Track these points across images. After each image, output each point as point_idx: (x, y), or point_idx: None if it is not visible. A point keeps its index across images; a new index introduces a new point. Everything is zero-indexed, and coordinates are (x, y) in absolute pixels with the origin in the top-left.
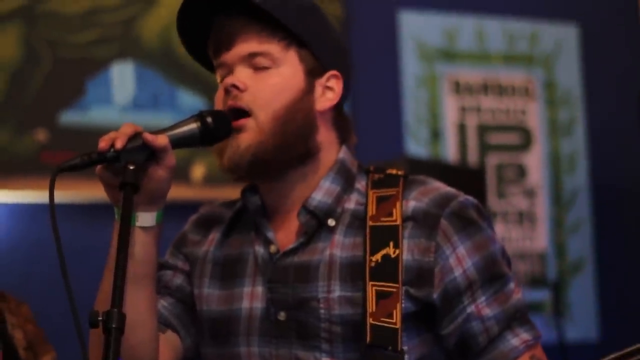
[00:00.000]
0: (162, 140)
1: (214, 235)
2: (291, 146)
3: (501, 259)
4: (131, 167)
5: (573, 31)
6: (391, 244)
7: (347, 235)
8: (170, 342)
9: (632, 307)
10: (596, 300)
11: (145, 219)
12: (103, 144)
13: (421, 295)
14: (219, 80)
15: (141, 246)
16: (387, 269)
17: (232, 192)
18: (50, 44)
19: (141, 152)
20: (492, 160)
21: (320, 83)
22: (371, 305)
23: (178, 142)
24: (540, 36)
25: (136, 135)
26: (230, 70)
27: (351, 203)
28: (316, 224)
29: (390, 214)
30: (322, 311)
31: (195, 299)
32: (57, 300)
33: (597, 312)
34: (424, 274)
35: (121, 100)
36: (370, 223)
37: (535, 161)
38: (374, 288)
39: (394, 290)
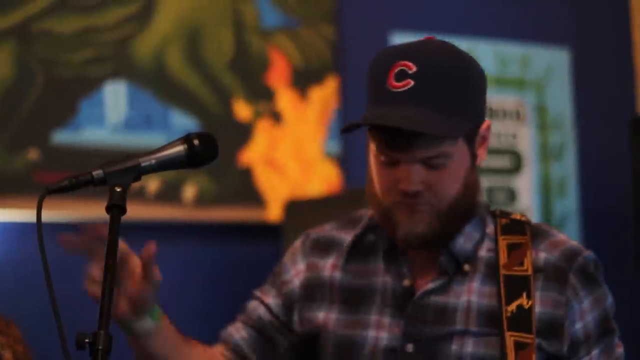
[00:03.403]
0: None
1: (336, 260)
2: (465, 218)
3: (611, 312)
4: (118, 189)
5: (565, 55)
6: (524, 294)
7: (483, 283)
8: None
9: (622, 331)
10: None
11: (142, 324)
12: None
13: (551, 350)
14: (382, 158)
15: (155, 343)
16: (522, 320)
17: (225, 213)
18: (44, 63)
19: (128, 175)
20: (483, 184)
21: (477, 143)
22: (511, 355)
23: (165, 164)
24: (532, 60)
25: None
26: (398, 162)
27: (483, 250)
28: (454, 267)
29: (522, 264)
30: (454, 347)
31: (303, 323)
32: (47, 321)
33: None
34: (556, 327)
35: (114, 120)
36: (503, 271)
37: (525, 185)
38: (512, 338)
39: (530, 341)
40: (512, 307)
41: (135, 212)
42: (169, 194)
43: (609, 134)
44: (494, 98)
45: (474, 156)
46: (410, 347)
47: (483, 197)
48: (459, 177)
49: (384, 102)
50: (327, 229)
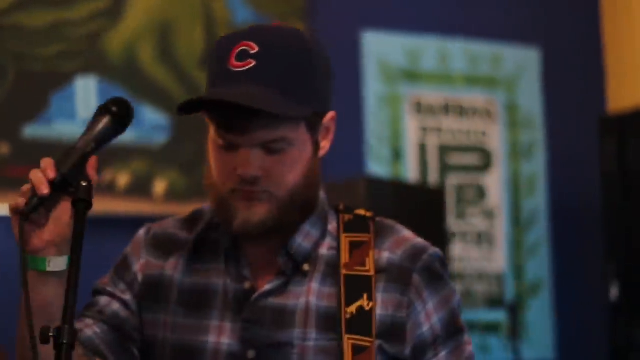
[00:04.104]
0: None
1: (177, 260)
2: (304, 208)
3: (458, 311)
4: (84, 184)
5: (535, 55)
6: (365, 295)
7: (323, 283)
8: None
9: (588, 329)
10: (553, 321)
11: (57, 263)
12: (43, 186)
13: (394, 352)
14: (219, 142)
15: (54, 290)
16: (362, 322)
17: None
18: (15, 57)
19: (80, 169)
20: (452, 181)
21: (321, 133)
22: (348, 359)
23: (102, 141)
24: (502, 59)
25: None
26: (237, 146)
27: (324, 248)
28: (293, 268)
29: (363, 264)
30: (294, 356)
31: (147, 325)
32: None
33: (553, 332)
34: (397, 329)
35: (85, 115)
36: (344, 271)
37: (495, 182)
38: (350, 341)
39: (369, 344)
40: (352, 309)
41: (105, 206)
42: (139, 189)
43: (579, 133)
44: (465, 96)
45: (316, 146)
46: (251, 354)
47: (323, 192)
48: (300, 165)
49: (223, 82)
50: (168, 226)
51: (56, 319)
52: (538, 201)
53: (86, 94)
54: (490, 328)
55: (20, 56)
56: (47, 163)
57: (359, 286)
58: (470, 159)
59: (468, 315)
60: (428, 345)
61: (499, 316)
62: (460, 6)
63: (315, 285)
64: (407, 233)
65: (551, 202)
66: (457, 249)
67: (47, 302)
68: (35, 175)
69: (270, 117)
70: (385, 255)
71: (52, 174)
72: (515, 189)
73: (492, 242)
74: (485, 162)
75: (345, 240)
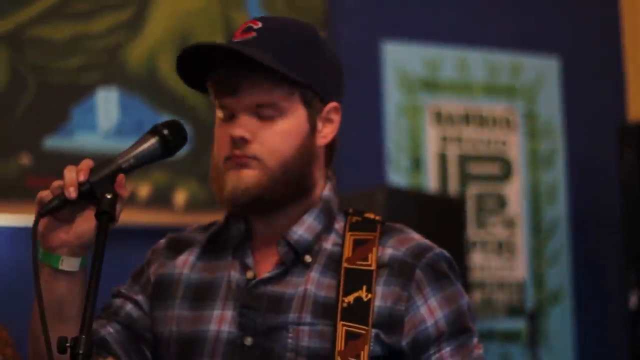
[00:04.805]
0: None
1: (187, 258)
2: (294, 188)
3: (467, 312)
4: (109, 196)
5: (554, 64)
6: (364, 287)
7: (323, 274)
8: None
9: (608, 337)
10: (573, 329)
11: (70, 263)
12: (71, 188)
13: (390, 341)
14: (220, 115)
15: (66, 289)
16: (359, 311)
17: (215, 218)
18: (36, 70)
19: (110, 182)
20: (473, 190)
21: (321, 118)
22: (340, 344)
23: (143, 160)
24: (522, 68)
25: (97, 168)
26: (232, 114)
27: (328, 243)
28: (293, 258)
29: (366, 259)
30: (289, 340)
31: (157, 322)
32: None
33: (574, 340)
34: (395, 321)
35: (105, 127)
36: (345, 265)
37: (515, 191)
38: (344, 327)
39: (364, 332)
40: (350, 298)
41: (126, 217)
42: (160, 200)
43: (598, 142)
44: (484, 105)
45: (313, 126)
46: (249, 341)
47: (334, 195)
48: (292, 138)
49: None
50: (187, 232)
51: (67, 316)
52: (558, 210)
53: (107, 105)
54: (511, 336)
55: (41, 69)
56: (85, 165)
57: (359, 279)
58: (491, 169)
59: (488, 324)
60: (431, 341)
61: (519, 325)
62: (479, 16)
63: (315, 275)
64: (414, 234)
65: (571, 210)
66: (477, 258)
67: (59, 298)
68: (69, 174)
69: (263, 78)
70: (389, 252)
71: (83, 177)
72: (535, 197)
73: (513, 250)
74: (505, 171)
75: (349, 238)
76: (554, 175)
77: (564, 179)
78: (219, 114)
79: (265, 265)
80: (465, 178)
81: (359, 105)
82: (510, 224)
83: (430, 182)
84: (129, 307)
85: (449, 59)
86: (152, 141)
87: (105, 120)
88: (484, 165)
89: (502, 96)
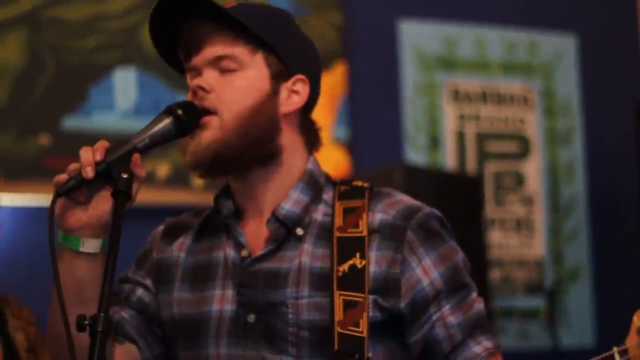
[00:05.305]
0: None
1: (184, 241)
2: (252, 146)
3: (464, 268)
4: (125, 176)
5: (572, 41)
6: (358, 254)
7: (316, 245)
8: (128, 354)
9: (628, 314)
10: (592, 307)
11: (91, 244)
12: (89, 168)
13: (388, 305)
14: (189, 80)
15: (86, 271)
16: (354, 279)
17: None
18: (54, 50)
19: (126, 162)
20: (491, 168)
21: (286, 87)
22: (339, 314)
23: (158, 140)
24: (539, 46)
25: (113, 148)
26: (198, 73)
27: (318, 214)
28: (285, 233)
29: (357, 226)
30: (290, 316)
31: (161, 306)
32: None
33: (593, 318)
34: (391, 284)
35: (123, 106)
36: (337, 234)
37: (533, 169)
38: (341, 297)
39: (361, 300)
40: (344, 267)
41: (145, 197)
42: (179, 179)
43: (616, 119)
44: (502, 83)
45: (275, 92)
46: (252, 318)
47: (318, 166)
48: (251, 92)
49: None
50: (183, 217)
51: (87, 298)
52: (576, 187)
53: (125, 85)
54: (530, 314)
55: (59, 49)
56: (100, 145)
57: (351, 247)
58: (508, 146)
59: (507, 302)
60: (430, 301)
61: (538, 302)
62: None
63: (308, 247)
64: (403, 197)
65: (590, 187)
66: (495, 236)
67: (79, 281)
68: (86, 154)
69: (226, 31)
70: (379, 217)
71: (99, 157)
72: (554, 175)
73: (531, 228)
74: (523, 149)
75: (339, 207)
76: (571, 152)
77: (581, 157)
78: (188, 80)
79: (259, 243)
80: (483, 156)
81: (377, 84)
82: (528, 201)
83: (448, 160)
84: (140, 291)
85: (466, 37)
86: (167, 121)
87: (123, 100)
88: (501, 143)
89: (519, 74)
